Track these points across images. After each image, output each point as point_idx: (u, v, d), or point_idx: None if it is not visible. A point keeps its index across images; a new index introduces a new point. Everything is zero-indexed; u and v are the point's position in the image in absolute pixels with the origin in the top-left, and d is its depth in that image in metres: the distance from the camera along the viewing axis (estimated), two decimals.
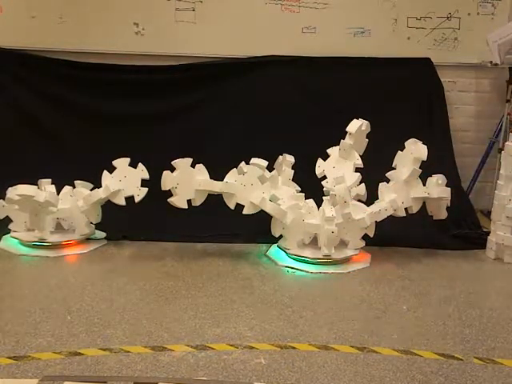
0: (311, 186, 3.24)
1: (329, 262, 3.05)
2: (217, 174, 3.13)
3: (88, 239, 3.29)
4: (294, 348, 2.20)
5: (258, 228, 3.29)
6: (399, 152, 3.17)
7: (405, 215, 3.15)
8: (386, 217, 3.10)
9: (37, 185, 3.13)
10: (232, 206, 3.11)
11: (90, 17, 3.80)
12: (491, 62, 3.79)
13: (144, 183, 3.17)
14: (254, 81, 3.84)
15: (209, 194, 3.14)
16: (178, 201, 3.08)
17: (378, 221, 3.10)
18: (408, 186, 3.13)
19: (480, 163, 4.03)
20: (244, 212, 3.10)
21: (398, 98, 3.87)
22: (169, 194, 3.10)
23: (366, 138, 3.21)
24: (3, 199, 3.14)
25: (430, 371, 2.06)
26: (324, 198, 3.13)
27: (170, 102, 3.82)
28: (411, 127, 3.61)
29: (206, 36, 3.84)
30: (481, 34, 3.83)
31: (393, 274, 2.98)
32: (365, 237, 3.15)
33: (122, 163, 3.16)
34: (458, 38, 3.94)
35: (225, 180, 3.10)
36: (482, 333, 2.36)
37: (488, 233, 3.37)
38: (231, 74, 3.84)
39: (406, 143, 3.15)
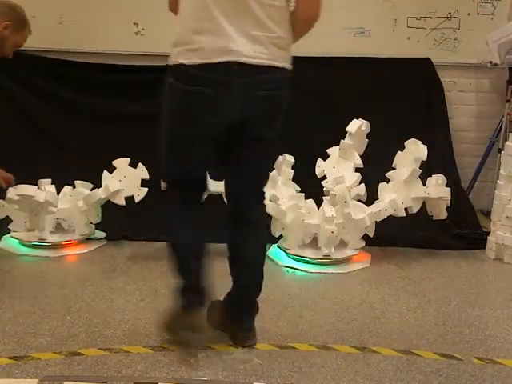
0: (311, 186, 3.24)
1: (329, 262, 3.05)
2: None
3: (88, 239, 3.29)
4: (293, 348, 2.19)
5: None
6: (399, 152, 3.17)
7: (405, 215, 3.15)
8: (386, 217, 3.09)
9: (37, 185, 3.13)
10: None
11: (90, 17, 3.79)
12: (491, 61, 3.79)
13: (144, 183, 3.17)
14: None
15: (209, 194, 3.14)
16: None
17: (377, 221, 3.10)
18: (408, 186, 3.12)
19: (480, 163, 4.03)
20: None
21: (398, 97, 3.86)
22: None
23: (366, 137, 3.21)
24: (3, 199, 3.14)
25: (430, 371, 2.06)
26: (324, 198, 3.13)
27: None
28: (411, 127, 3.61)
29: None
30: (481, 34, 3.82)
31: (393, 274, 2.98)
32: (365, 237, 3.15)
33: (122, 163, 3.16)
34: (457, 38, 3.94)
35: None
36: (482, 333, 2.36)
37: (488, 233, 3.37)
38: None
39: (405, 143, 3.14)
